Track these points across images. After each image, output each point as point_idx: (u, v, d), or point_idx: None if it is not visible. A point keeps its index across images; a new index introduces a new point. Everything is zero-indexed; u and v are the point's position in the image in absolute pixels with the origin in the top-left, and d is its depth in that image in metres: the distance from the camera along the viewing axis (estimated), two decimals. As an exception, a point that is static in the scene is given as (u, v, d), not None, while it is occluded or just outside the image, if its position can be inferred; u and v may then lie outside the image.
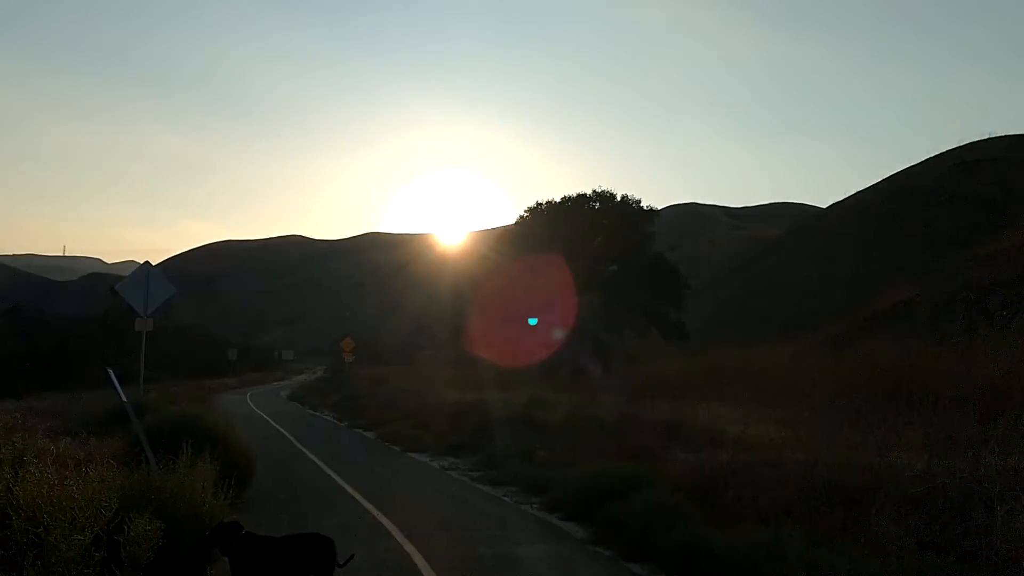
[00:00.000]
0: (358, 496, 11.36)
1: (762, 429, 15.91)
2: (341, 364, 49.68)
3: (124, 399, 9.26)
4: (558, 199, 46.96)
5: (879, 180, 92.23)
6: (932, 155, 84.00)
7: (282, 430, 23.24)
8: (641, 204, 46.02)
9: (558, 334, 42.73)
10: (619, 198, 46.18)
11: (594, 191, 46.20)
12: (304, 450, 17.64)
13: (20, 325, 76.73)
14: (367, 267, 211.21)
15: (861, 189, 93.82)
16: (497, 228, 55.82)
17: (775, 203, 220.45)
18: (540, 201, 47.49)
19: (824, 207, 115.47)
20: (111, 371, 9.42)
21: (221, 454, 10.15)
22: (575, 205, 46.94)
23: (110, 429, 12.91)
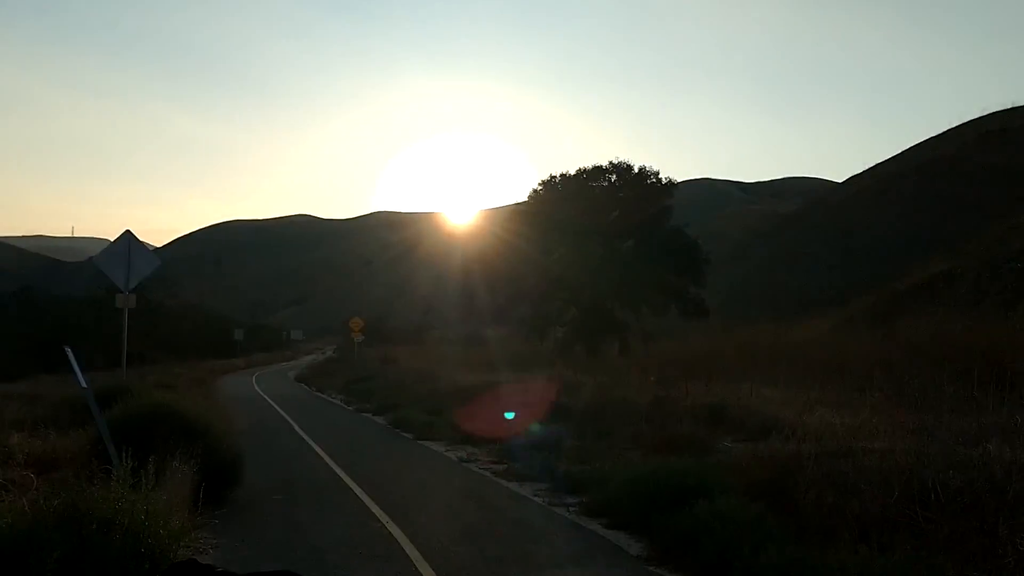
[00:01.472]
0: (365, 497, 9.75)
1: (819, 414, 14.28)
2: (350, 344, 48.38)
3: (83, 385, 7.63)
4: (573, 172, 45.22)
5: (899, 152, 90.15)
6: (954, 125, 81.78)
7: (285, 415, 21.70)
8: (659, 176, 44.18)
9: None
10: (636, 170, 44.35)
11: (610, 163, 44.32)
12: (307, 438, 16.07)
13: (25, 306, 75.61)
14: (376, 246, 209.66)
15: (880, 162, 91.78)
16: (508, 206, 54.10)
17: (788, 178, 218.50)
18: (554, 174, 45.62)
19: (838, 181, 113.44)
20: (69, 352, 7.79)
21: (201, 451, 8.55)
22: (591, 178, 45.19)
23: (85, 419, 11.29)
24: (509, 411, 18.02)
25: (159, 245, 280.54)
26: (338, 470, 11.80)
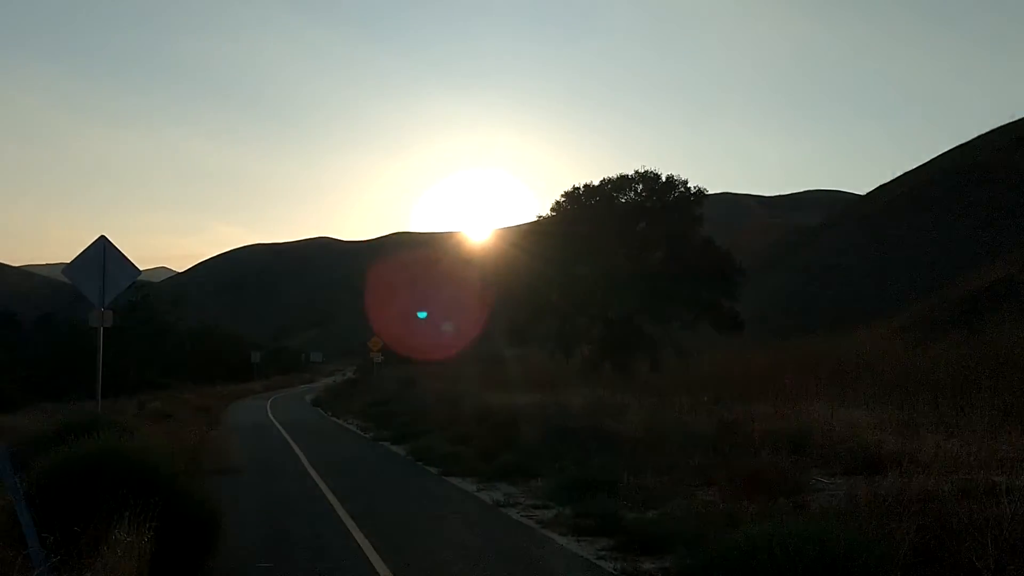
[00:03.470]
0: (382, 567, 7.48)
1: (928, 440, 11.90)
2: (369, 365, 46.43)
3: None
4: (596, 183, 43.12)
5: (928, 160, 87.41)
6: (983, 132, 79.11)
7: (294, 446, 19.48)
8: (688, 185, 41.96)
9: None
10: (664, 179, 42.21)
11: (636, 172, 42.14)
12: (314, 476, 13.81)
13: (45, 333, 74.36)
14: (396, 267, 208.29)
15: (908, 170, 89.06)
16: (527, 223, 52.08)
17: (808, 190, 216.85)
18: (577, 185, 43.50)
19: (861, 193, 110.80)
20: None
21: (161, 509, 6.34)
22: (615, 188, 43.11)
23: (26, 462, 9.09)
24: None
25: (181, 270, 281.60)
26: (348, 522, 9.52)
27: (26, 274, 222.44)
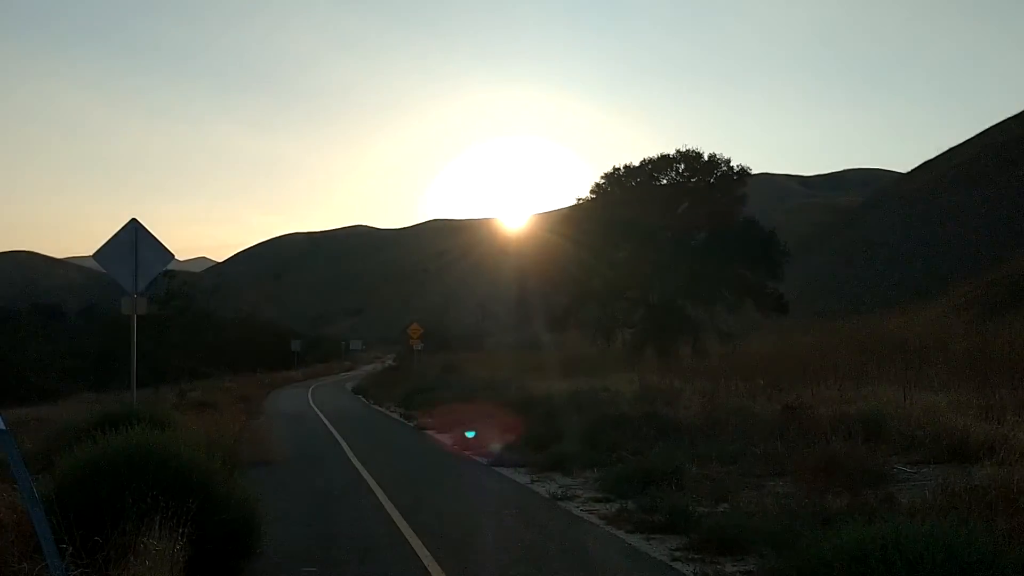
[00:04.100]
0: (436, 568, 6.82)
1: (1019, 426, 10.97)
2: (409, 352, 46.08)
3: (-4, 427, 4.88)
4: (636, 163, 42.11)
5: (972, 136, 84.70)
6: (1027, 108, 76.44)
7: (336, 435, 18.97)
8: (731, 164, 40.83)
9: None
10: (706, 158, 41.10)
11: (678, 151, 41.25)
12: (359, 468, 13.20)
13: (88, 324, 75.28)
14: (431, 253, 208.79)
15: (953, 146, 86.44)
16: (563, 208, 51.32)
17: (848, 169, 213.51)
18: (617, 167, 42.57)
19: (903, 171, 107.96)
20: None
21: (196, 511, 5.74)
22: (656, 168, 42.09)
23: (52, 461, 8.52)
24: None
25: (220, 260, 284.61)
26: (397, 518, 8.87)
27: (70, 266, 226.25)
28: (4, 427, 4.90)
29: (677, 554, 7.28)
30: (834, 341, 24.91)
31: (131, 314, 11.68)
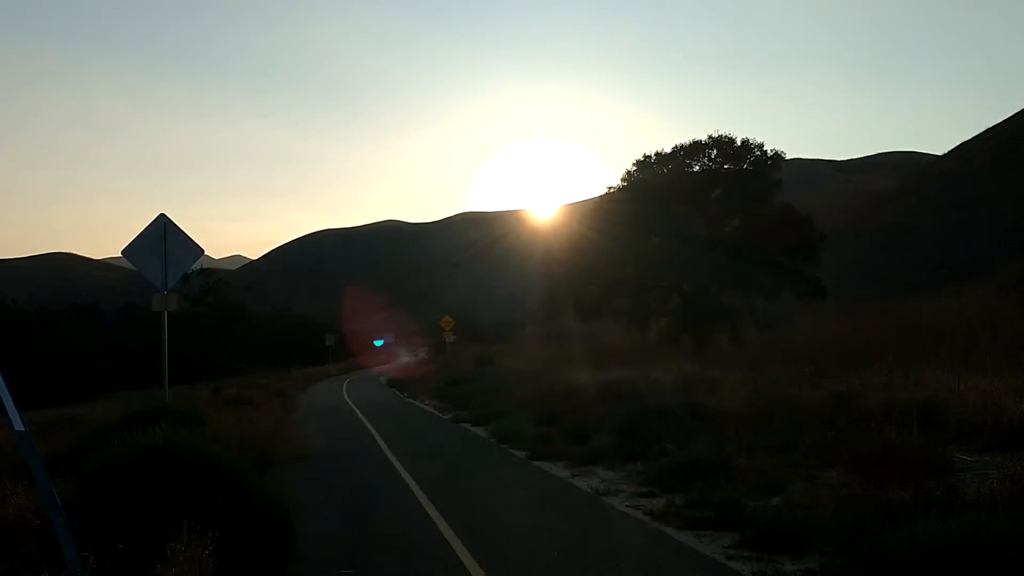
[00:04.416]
0: (477, 570, 6.51)
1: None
2: (442, 345, 45.93)
3: (18, 427, 4.63)
4: (668, 150, 41.45)
5: (1007, 118, 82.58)
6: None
7: (371, 429, 18.75)
8: (764, 148, 40.07)
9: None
10: (739, 143, 40.35)
11: (710, 137, 40.52)
12: (395, 463, 12.92)
13: (127, 323, 76.12)
14: (461, 246, 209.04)
15: (988, 127, 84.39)
16: (595, 197, 50.79)
17: (880, 153, 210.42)
18: (648, 153, 41.95)
19: (937, 154, 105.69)
20: (-8, 376, 4.78)
21: (227, 517, 5.47)
22: (688, 155, 41.42)
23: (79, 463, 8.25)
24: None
25: (255, 258, 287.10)
26: (435, 517, 8.56)
27: (108, 266, 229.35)
28: (24, 428, 4.66)
29: (731, 552, 6.90)
30: (878, 326, 24.30)
31: (161, 311, 11.49)
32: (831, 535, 6.90)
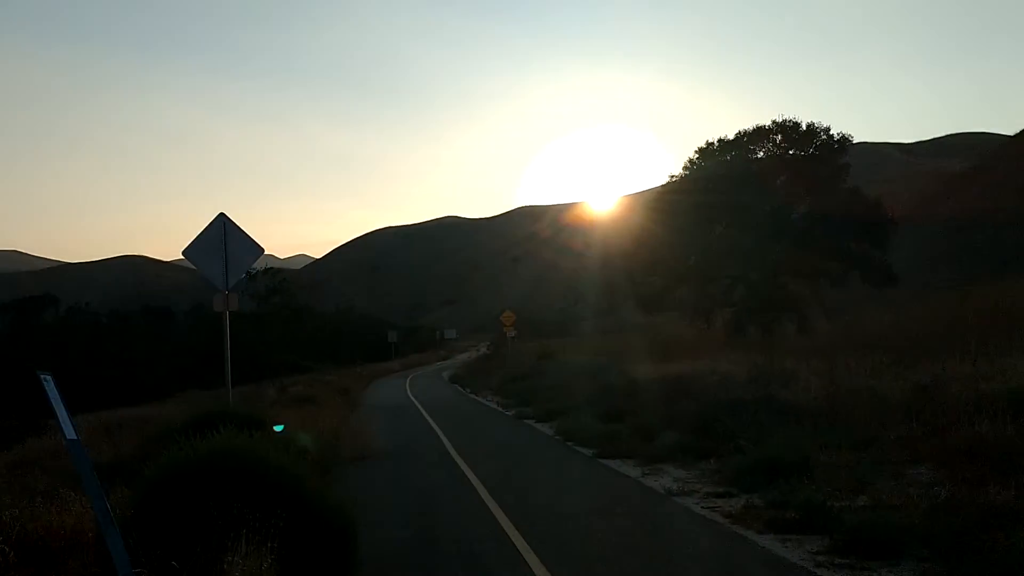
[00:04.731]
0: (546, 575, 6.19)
1: None
2: (502, 340, 45.75)
3: (70, 436, 4.46)
4: (731, 137, 40.49)
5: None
6: None
7: (435, 427, 18.59)
8: (831, 132, 38.84)
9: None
10: (804, 128, 39.21)
11: (774, 122, 39.41)
12: (460, 464, 12.64)
13: (197, 323, 77.89)
14: (520, 240, 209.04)
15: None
16: (655, 188, 50.00)
17: (951, 134, 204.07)
18: (711, 141, 41.07)
19: (1010, 134, 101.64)
20: (46, 381, 4.61)
21: (287, 527, 5.24)
22: (752, 141, 40.41)
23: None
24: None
25: (319, 256, 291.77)
26: (503, 520, 8.24)
27: (179, 268, 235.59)
28: (75, 436, 4.48)
29: (820, 558, 6.44)
30: (957, 312, 23.25)
31: (223, 311, 11.43)
32: (928, 540, 6.39)
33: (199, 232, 11.47)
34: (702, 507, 8.52)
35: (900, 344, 18.82)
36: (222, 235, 11.31)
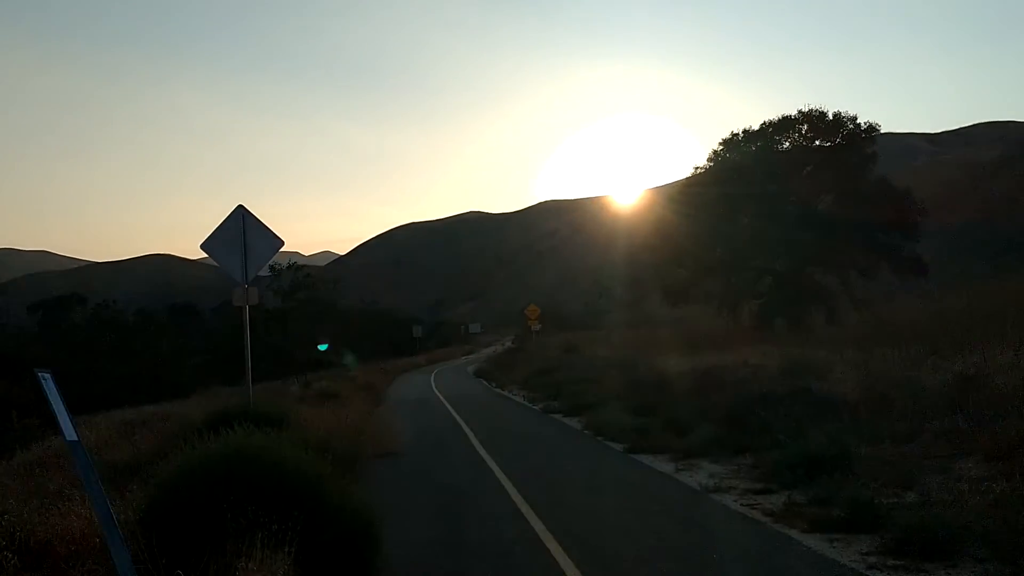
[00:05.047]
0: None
1: None
2: (527, 334, 45.46)
3: (70, 437, 4.18)
4: (756, 127, 39.88)
5: None
6: None
7: (460, 422, 18.29)
8: (858, 121, 38.10)
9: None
10: (831, 117, 38.51)
11: (800, 112, 38.80)
12: (488, 460, 12.28)
13: (221, 320, 78.25)
14: (543, 235, 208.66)
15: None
16: (679, 180, 49.54)
17: (978, 124, 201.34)
18: (735, 132, 40.50)
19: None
20: (45, 379, 4.33)
21: (305, 530, 4.93)
22: (777, 131, 39.78)
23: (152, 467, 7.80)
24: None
25: (343, 253, 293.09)
26: (533, 520, 7.87)
27: (204, 266, 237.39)
28: (75, 437, 4.19)
29: (871, 559, 6.05)
30: (994, 302, 22.63)
31: (242, 305, 11.17)
32: (987, 539, 5.99)
33: (217, 225, 11.21)
34: (741, 504, 8.13)
35: (933, 334, 18.28)
36: (241, 228, 11.05)
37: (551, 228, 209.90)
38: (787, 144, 39.29)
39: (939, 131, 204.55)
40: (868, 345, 18.72)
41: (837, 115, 38.05)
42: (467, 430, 16.47)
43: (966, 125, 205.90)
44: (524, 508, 8.40)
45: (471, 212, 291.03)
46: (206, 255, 11.66)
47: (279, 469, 5.32)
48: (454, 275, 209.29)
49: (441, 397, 26.79)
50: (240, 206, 11.25)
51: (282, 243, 11.53)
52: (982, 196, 76.34)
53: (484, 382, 35.63)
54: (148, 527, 4.87)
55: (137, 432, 12.43)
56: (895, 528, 6.45)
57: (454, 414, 20.27)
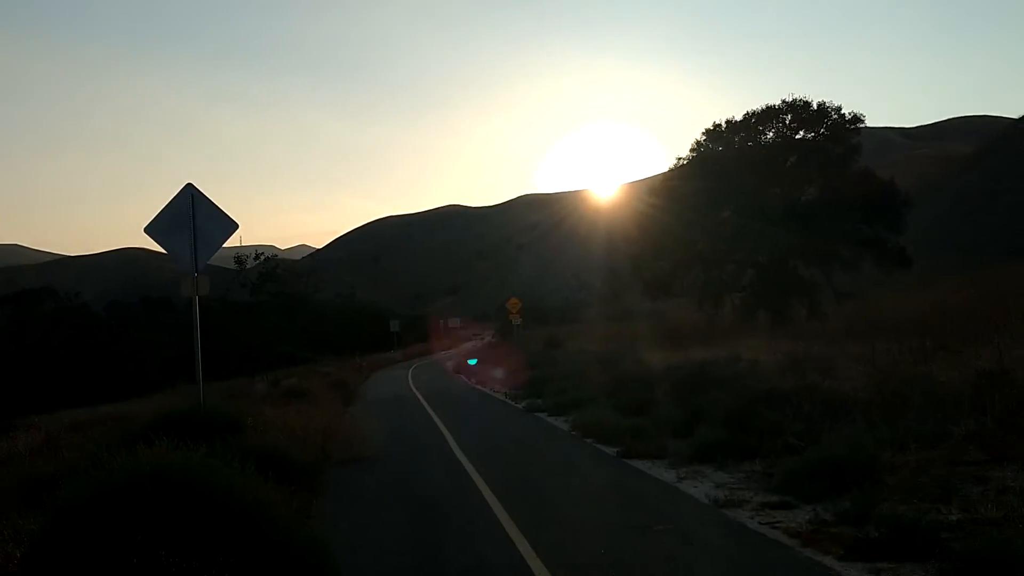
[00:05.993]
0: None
1: None
2: (508, 328, 44.51)
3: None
4: (739, 118, 39.29)
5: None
6: None
7: (438, 422, 17.15)
8: (842, 112, 37.77)
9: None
10: (815, 107, 38.14)
11: (783, 102, 38.51)
12: (468, 467, 11.11)
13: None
14: (523, 229, 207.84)
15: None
16: (660, 174, 49.07)
17: (953, 118, 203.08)
18: (718, 122, 40.01)
19: (1014, 117, 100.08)
20: None
21: (236, 570, 3.82)
22: (761, 121, 39.31)
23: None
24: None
25: (319, 247, 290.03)
26: (517, 539, 6.75)
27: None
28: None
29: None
30: (992, 291, 21.98)
31: (192, 296, 9.98)
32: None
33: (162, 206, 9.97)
34: (758, 522, 7.07)
35: (934, 327, 17.46)
36: (190, 210, 9.84)
37: (531, 222, 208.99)
38: (771, 135, 38.85)
39: (914, 125, 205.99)
40: (862, 338, 17.86)
41: (821, 105, 37.78)
42: (445, 432, 15.33)
43: (941, 120, 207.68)
44: (511, 529, 7.27)
45: (450, 206, 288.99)
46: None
47: (206, 496, 4.20)
48: (433, 269, 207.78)
49: (418, 395, 25.65)
50: (189, 184, 10.02)
51: (236, 226, 10.30)
52: (959, 188, 76.35)
53: (464, 378, 34.53)
54: (32, 572, 3.75)
55: (79, 435, 11.21)
56: (953, 556, 5.44)
57: (431, 413, 19.15)
